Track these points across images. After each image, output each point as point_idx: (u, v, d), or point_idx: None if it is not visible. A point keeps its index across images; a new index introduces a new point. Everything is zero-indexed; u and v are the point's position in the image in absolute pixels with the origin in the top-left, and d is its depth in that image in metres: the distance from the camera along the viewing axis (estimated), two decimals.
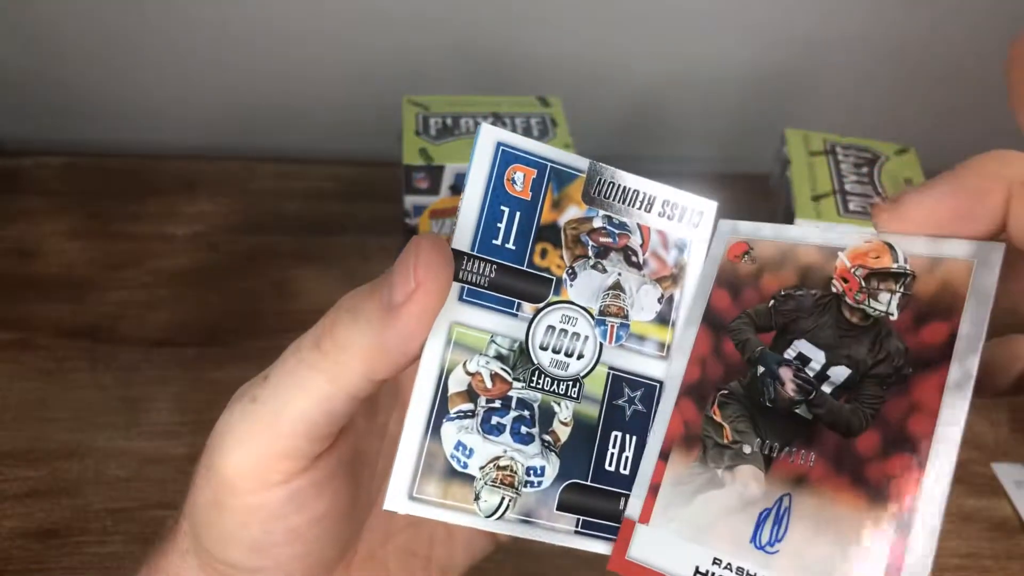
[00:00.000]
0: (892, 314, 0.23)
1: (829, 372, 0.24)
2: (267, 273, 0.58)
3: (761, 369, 0.25)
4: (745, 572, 0.23)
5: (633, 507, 0.25)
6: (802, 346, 0.24)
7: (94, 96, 0.69)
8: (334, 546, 0.25)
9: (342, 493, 0.25)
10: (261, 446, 0.23)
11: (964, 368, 0.22)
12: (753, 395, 0.25)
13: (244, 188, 0.66)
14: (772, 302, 0.25)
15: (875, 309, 0.23)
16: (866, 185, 0.49)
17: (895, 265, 0.23)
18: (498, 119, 0.55)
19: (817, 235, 0.25)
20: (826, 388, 0.24)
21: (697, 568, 0.24)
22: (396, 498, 0.23)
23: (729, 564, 0.23)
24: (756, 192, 0.60)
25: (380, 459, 0.27)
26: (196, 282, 0.57)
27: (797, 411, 0.24)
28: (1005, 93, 0.71)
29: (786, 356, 0.24)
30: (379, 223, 0.62)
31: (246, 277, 0.58)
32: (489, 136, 0.24)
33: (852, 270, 0.24)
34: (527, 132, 0.54)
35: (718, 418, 0.25)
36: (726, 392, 0.25)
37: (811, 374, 0.24)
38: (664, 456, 0.25)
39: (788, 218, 0.48)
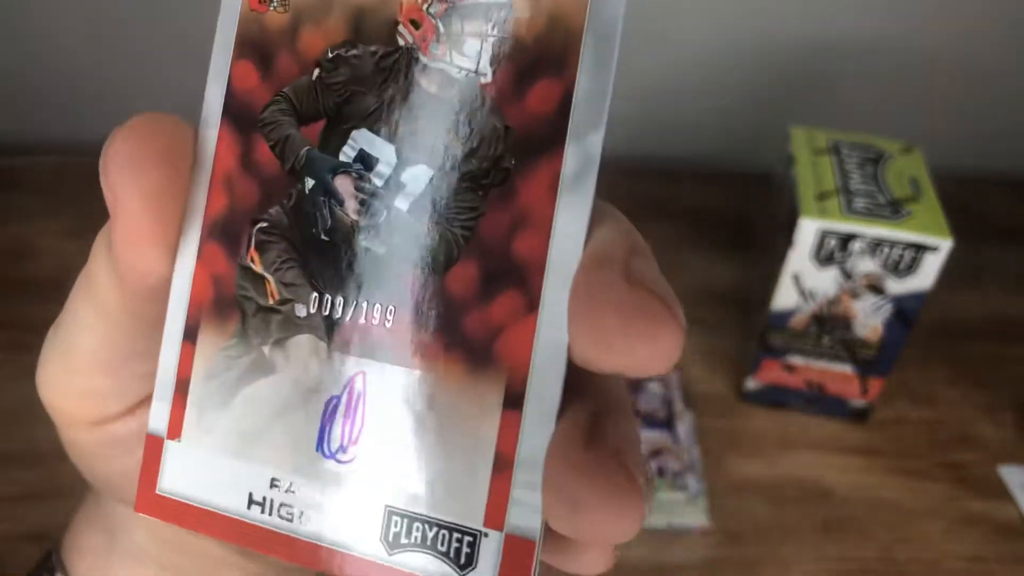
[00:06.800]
0: (484, 74, 0.15)
1: (403, 176, 0.16)
2: None
3: (310, 182, 0.16)
4: (314, 494, 0.16)
5: (157, 416, 0.17)
6: (362, 138, 0.16)
7: (89, 95, 0.68)
8: None
9: None
10: (62, 378, 0.19)
11: (584, 150, 0.15)
12: (301, 225, 0.16)
13: None
14: (317, 71, 0.16)
15: (459, 67, 0.16)
16: (871, 184, 0.49)
17: None
18: None
19: None
20: (401, 202, 0.16)
21: (251, 496, 0.17)
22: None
23: (292, 485, 0.16)
24: (759, 190, 0.60)
25: None
26: None
27: (363, 243, 0.16)
28: (1008, 93, 0.70)
29: (343, 157, 0.16)
30: None
31: None
32: None
33: (424, 5, 0.16)
34: None
35: (257, 267, 0.17)
36: (265, 225, 0.17)
37: (380, 183, 0.16)
38: (190, 335, 0.17)
39: (792, 217, 0.48)
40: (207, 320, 0.17)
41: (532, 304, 0.15)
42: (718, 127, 0.73)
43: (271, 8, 0.17)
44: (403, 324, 0.16)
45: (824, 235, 0.46)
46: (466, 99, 0.16)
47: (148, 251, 0.16)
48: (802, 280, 0.48)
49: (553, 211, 0.15)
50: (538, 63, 0.15)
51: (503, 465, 0.15)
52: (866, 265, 0.47)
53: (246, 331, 0.17)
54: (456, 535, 0.15)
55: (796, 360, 0.51)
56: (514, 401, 0.15)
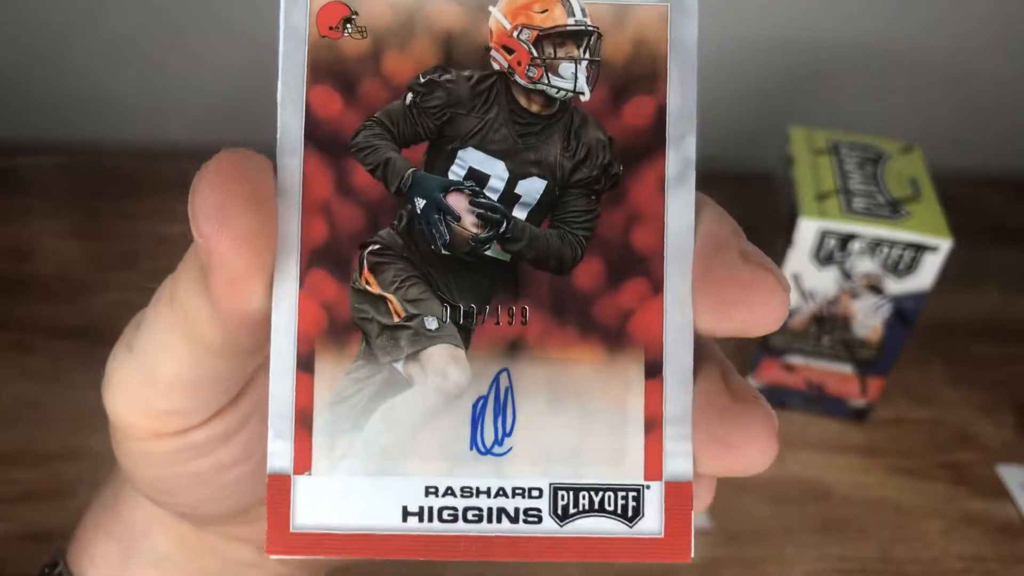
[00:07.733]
0: (583, 93, 0.17)
1: (518, 189, 0.18)
2: None
3: (420, 202, 0.17)
4: (475, 490, 0.17)
5: (279, 455, 0.17)
6: (471, 157, 0.18)
7: (89, 95, 0.68)
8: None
9: (262, 440, 0.20)
10: (142, 400, 0.19)
11: (682, 153, 0.17)
12: (418, 243, 0.18)
13: None
14: (409, 96, 0.17)
15: (558, 88, 0.17)
16: (870, 184, 0.49)
17: (571, 20, 0.17)
18: None
19: None
20: (518, 212, 0.18)
21: (406, 509, 0.17)
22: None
23: (450, 488, 0.17)
24: (759, 190, 0.60)
25: None
26: None
27: (487, 253, 0.18)
28: (1008, 92, 0.70)
29: (452, 176, 0.18)
30: None
31: None
32: None
33: (514, 33, 0.17)
34: None
35: (375, 288, 0.17)
36: (377, 247, 0.18)
37: (494, 197, 0.18)
38: (305, 365, 0.17)
39: (792, 217, 0.48)
40: (323, 348, 0.17)
41: (657, 287, 0.17)
42: (718, 127, 0.73)
43: (346, 34, 0.17)
44: (538, 320, 0.18)
45: (824, 235, 0.46)
46: (568, 116, 0.18)
47: (247, 291, 0.17)
48: (802, 280, 0.48)
49: (663, 207, 0.17)
50: (632, 82, 0.17)
51: (653, 426, 0.17)
52: (866, 265, 0.47)
53: (372, 352, 0.17)
54: (621, 493, 0.17)
55: (796, 360, 0.51)
56: (654, 371, 0.17)
